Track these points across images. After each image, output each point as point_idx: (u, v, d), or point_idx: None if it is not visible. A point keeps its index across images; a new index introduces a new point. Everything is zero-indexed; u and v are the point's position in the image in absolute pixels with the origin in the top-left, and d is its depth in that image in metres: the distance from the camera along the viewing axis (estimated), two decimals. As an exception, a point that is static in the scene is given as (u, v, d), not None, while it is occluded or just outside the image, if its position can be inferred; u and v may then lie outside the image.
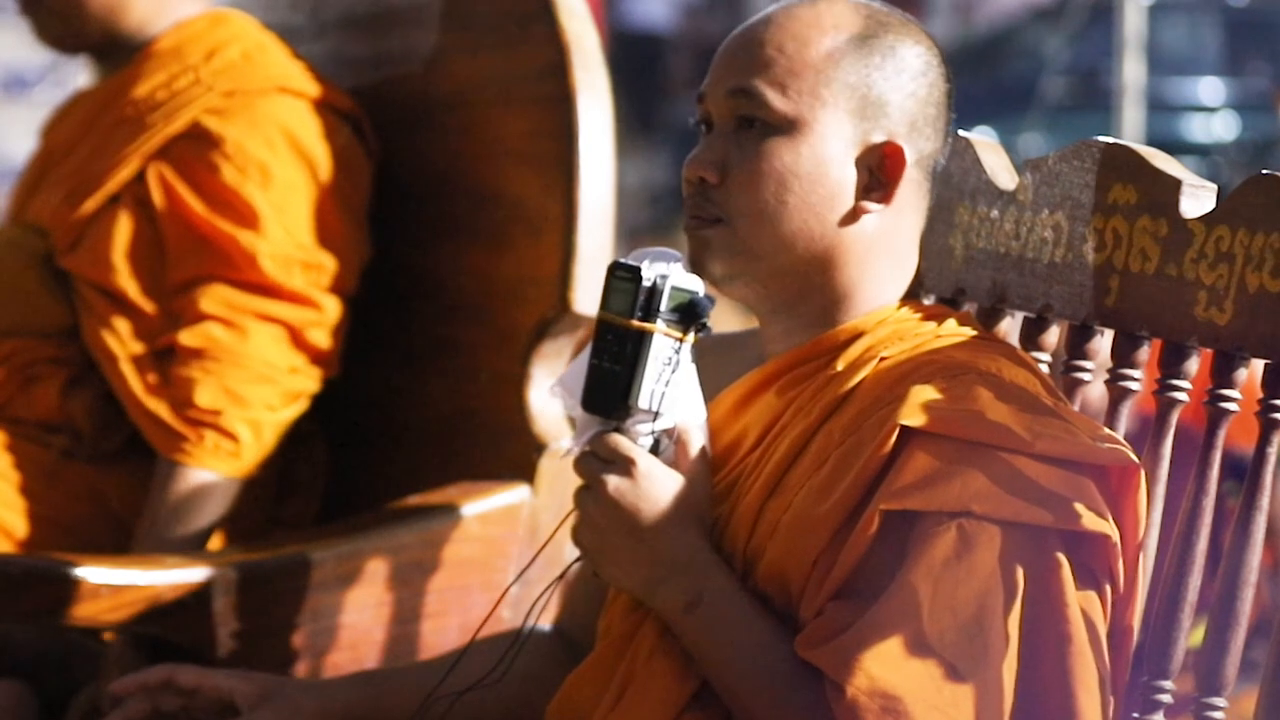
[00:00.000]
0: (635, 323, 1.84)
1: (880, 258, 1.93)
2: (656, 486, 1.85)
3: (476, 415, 2.70)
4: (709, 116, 1.94)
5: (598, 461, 1.86)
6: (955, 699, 1.72)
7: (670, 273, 1.85)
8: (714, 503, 1.90)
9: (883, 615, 1.74)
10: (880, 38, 1.91)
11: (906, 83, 1.92)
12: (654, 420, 1.86)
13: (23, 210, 2.84)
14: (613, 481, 1.85)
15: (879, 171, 1.91)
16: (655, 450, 1.87)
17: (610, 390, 1.85)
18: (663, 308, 1.84)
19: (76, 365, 2.71)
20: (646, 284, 1.84)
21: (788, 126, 1.89)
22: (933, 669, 1.73)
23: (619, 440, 1.86)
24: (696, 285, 1.86)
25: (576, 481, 1.90)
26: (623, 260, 1.86)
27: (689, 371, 1.87)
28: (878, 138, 1.90)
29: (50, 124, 2.94)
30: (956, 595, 1.74)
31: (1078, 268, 2.02)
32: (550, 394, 1.98)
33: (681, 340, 1.85)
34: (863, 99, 1.90)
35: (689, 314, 1.85)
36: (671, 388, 1.85)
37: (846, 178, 1.90)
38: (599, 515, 1.86)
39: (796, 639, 1.80)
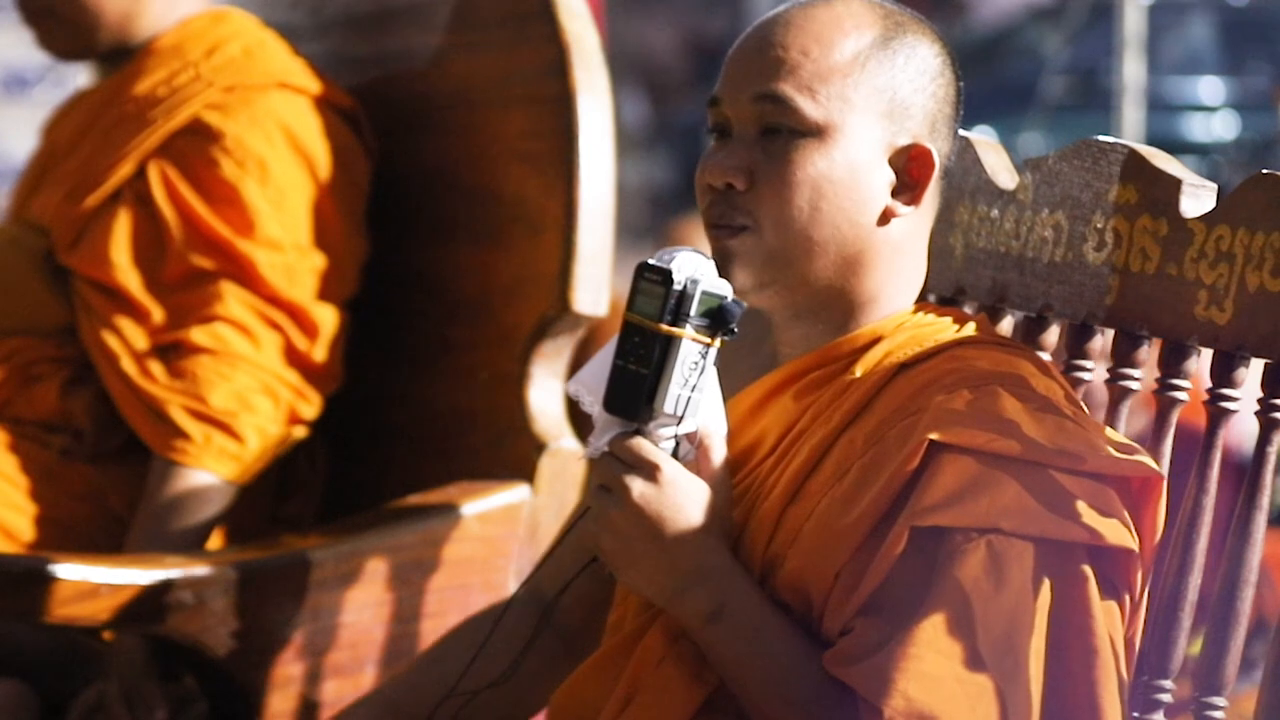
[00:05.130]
0: (664, 327, 1.81)
1: (904, 260, 1.92)
2: (681, 494, 1.83)
3: (476, 415, 2.70)
4: (726, 122, 1.91)
5: (620, 465, 1.84)
6: (990, 716, 1.72)
7: (700, 276, 1.82)
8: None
9: (916, 634, 1.73)
10: (901, 38, 1.90)
11: (927, 83, 1.91)
12: (677, 424, 1.83)
13: (23, 209, 2.84)
14: (637, 487, 1.82)
15: (906, 173, 1.90)
16: (675, 454, 1.84)
17: (634, 393, 1.82)
18: (692, 312, 1.81)
19: (77, 364, 2.71)
20: (677, 288, 1.81)
21: (818, 131, 1.87)
22: (967, 688, 1.72)
23: (643, 445, 1.83)
24: (726, 290, 1.82)
25: (576, 481, 1.89)
26: (652, 261, 1.83)
27: (712, 376, 1.85)
28: (903, 140, 1.89)
29: (51, 123, 2.94)
30: (988, 613, 1.73)
31: (1078, 267, 2.02)
32: (569, 391, 1.96)
33: (709, 345, 1.82)
34: (890, 101, 1.89)
35: (718, 319, 1.81)
36: (696, 393, 1.83)
37: (877, 181, 1.89)
38: (621, 521, 1.83)
39: (825, 655, 1.79)
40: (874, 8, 1.92)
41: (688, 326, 1.81)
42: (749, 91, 1.89)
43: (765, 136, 1.89)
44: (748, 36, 1.93)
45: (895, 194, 1.90)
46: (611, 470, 1.84)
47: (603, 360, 1.88)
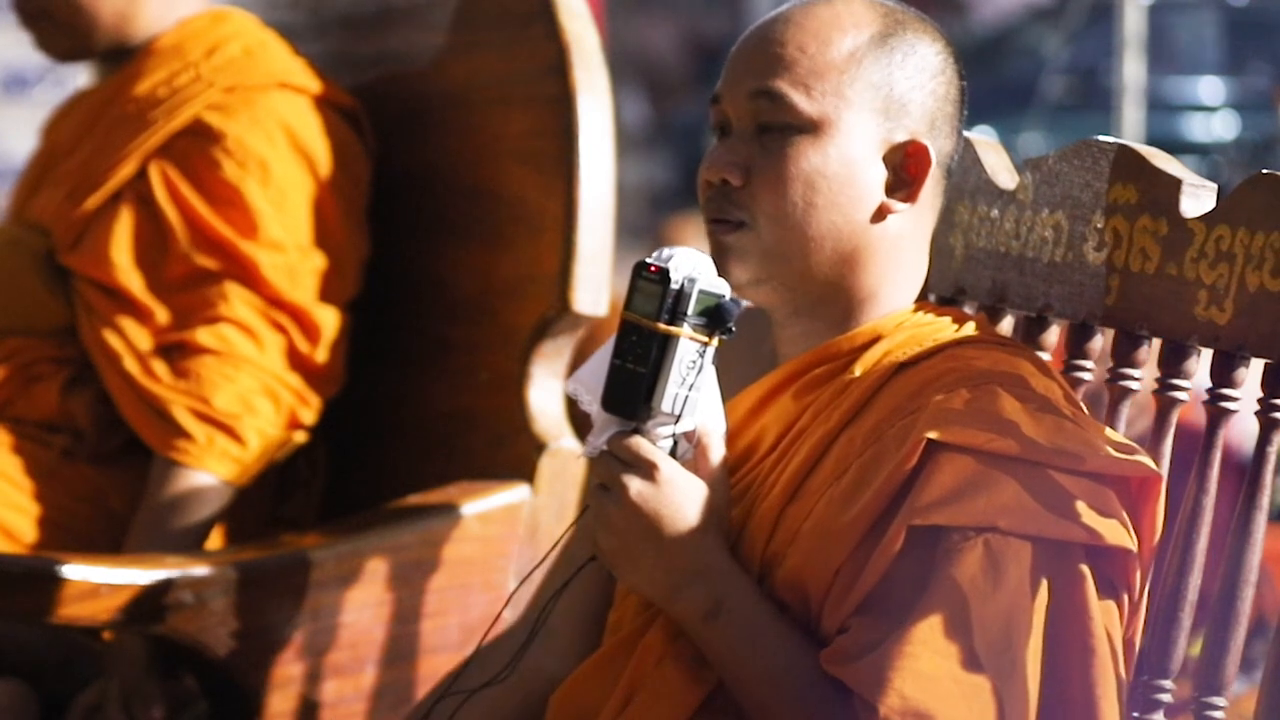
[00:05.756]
0: (661, 326, 1.80)
1: (901, 258, 1.92)
2: (679, 492, 1.83)
3: (476, 415, 2.70)
4: (726, 119, 1.92)
5: (618, 463, 1.83)
6: (984, 715, 1.72)
7: (698, 275, 1.81)
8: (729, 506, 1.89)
9: (912, 633, 1.73)
10: (900, 36, 1.91)
11: (926, 81, 1.91)
12: (675, 423, 1.83)
13: (24, 209, 2.84)
14: (635, 485, 1.82)
15: (903, 170, 1.90)
16: (673, 453, 1.84)
17: (632, 392, 1.82)
18: (689, 311, 1.80)
19: (77, 365, 2.71)
20: (674, 286, 1.80)
21: (812, 127, 1.87)
22: (963, 687, 1.72)
23: (641, 443, 1.83)
24: (724, 288, 1.82)
25: (576, 481, 1.89)
26: (649, 260, 1.83)
27: (710, 373, 1.85)
28: (900, 137, 1.90)
29: (51, 123, 2.94)
30: (985, 612, 1.73)
31: (1078, 267, 2.02)
32: (567, 390, 1.96)
33: (707, 344, 1.82)
34: (886, 98, 1.89)
35: (715, 318, 1.81)
36: (694, 391, 1.83)
37: (873, 177, 1.89)
38: (619, 519, 1.83)
39: (822, 654, 1.79)
40: (875, 6, 1.92)
41: (685, 325, 1.81)
42: (746, 88, 1.90)
43: (762, 132, 1.89)
44: (748, 34, 1.93)
45: (891, 190, 1.90)
46: (610, 469, 1.84)
47: (601, 359, 1.88)
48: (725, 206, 1.90)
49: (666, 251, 1.84)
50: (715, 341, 1.82)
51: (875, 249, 1.90)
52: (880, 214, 1.90)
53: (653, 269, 1.82)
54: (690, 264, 1.82)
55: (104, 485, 2.68)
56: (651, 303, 1.81)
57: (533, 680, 2.02)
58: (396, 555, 2.54)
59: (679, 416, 1.82)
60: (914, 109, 1.90)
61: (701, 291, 1.81)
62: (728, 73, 1.92)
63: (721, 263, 1.88)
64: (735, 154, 1.89)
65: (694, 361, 1.82)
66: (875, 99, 1.89)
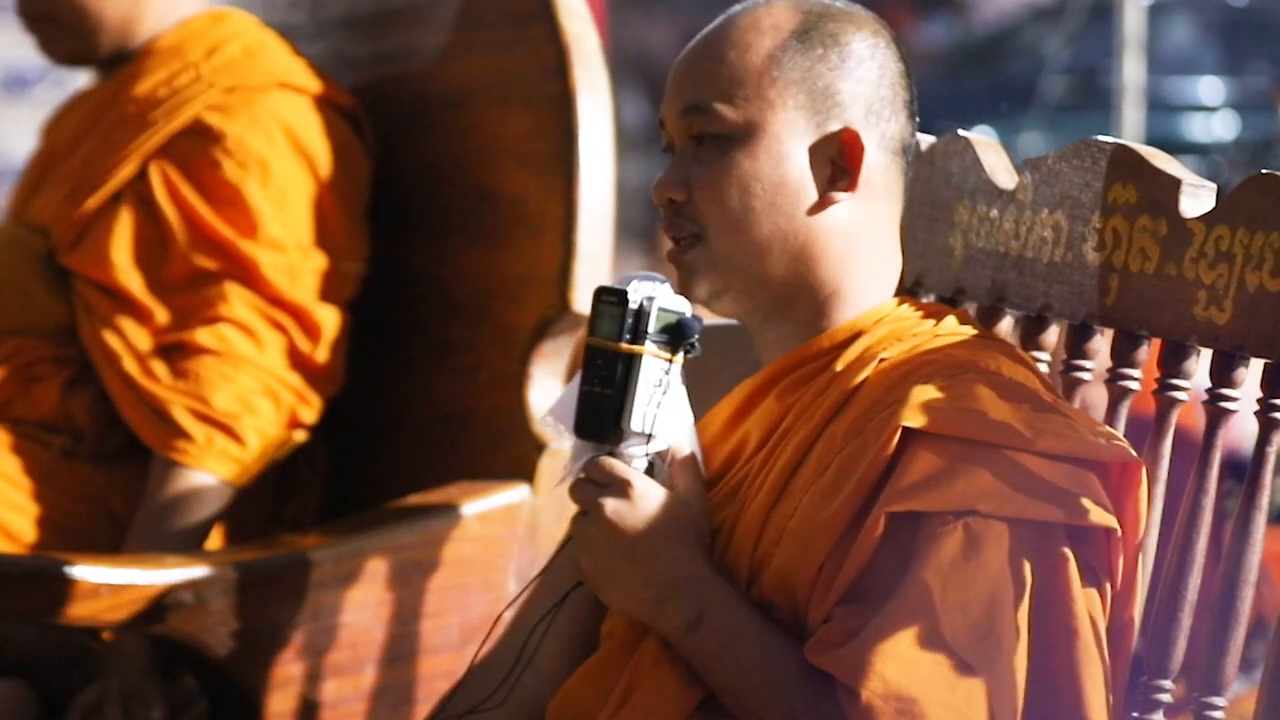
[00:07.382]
0: (624, 345, 1.84)
1: (859, 248, 1.93)
2: (654, 507, 1.85)
3: (476, 415, 2.70)
4: (670, 139, 1.95)
5: (594, 486, 1.86)
6: (969, 698, 1.73)
7: (657, 294, 1.85)
8: (716, 510, 1.90)
9: (894, 618, 1.74)
10: (819, 29, 1.92)
11: (854, 68, 1.92)
12: (647, 442, 1.86)
13: (24, 209, 2.84)
14: (610, 504, 1.84)
15: (840, 160, 1.91)
16: (650, 472, 1.87)
17: (602, 414, 1.85)
18: (651, 329, 1.85)
19: (77, 365, 2.71)
20: (633, 306, 1.84)
21: (742, 134, 1.90)
22: (946, 669, 1.73)
23: (613, 464, 1.85)
24: (683, 306, 1.87)
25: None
26: (608, 285, 1.87)
27: (679, 391, 1.87)
28: (834, 127, 1.91)
29: (51, 123, 2.94)
30: (966, 594, 1.74)
31: (1077, 267, 2.02)
32: (542, 424, 1.98)
33: (671, 361, 1.85)
34: (810, 92, 1.90)
35: (677, 334, 1.85)
36: (663, 409, 1.85)
37: (808, 173, 1.90)
38: (598, 539, 1.85)
39: (806, 646, 1.80)
40: (794, 7, 1.93)
41: (648, 343, 1.85)
42: (679, 106, 1.93)
43: (699, 147, 1.92)
44: (680, 55, 1.96)
45: (832, 182, 1.91)
46: (586, 493, 1.86)
47: (573, 391, 1.91)
48: (677, 223, 1.92)
49: (625, 276, 1.88)
50: (679, 359, 1.86)
51: (826, 242, 1.91)
52: (823, 206, 1.91)
53: (612, 292, 1.86)
54: (649, 286, 1.86)
55: (104, 485, 2.68)
56: (613, 325, 1.85)
57: (520, 711, 2.03)
58: (396, 555, 2.54)
59: (650, 435, 1.86)
60: (844, 98, 1.91)
61: (661, 309, 1.85)
62: (665, 94, 1.96)
63: (683, 280, 1.92)
64: (675, 172, 1.92)
65: (660, 380, 1.85)
66: (799, 95, 1.90)
